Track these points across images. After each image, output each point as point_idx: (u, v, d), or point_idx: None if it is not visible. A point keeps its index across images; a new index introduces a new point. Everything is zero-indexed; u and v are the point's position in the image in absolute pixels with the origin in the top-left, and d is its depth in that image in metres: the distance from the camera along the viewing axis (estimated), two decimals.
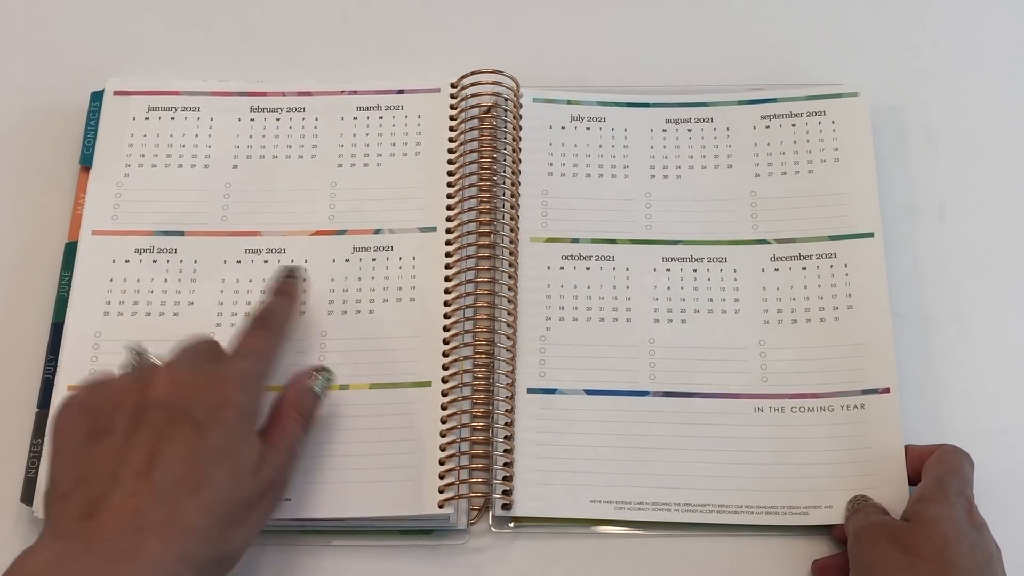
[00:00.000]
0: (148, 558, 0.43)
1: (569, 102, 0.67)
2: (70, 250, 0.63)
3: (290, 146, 0.66)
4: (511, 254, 0.62)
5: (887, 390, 0.59)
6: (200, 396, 0.48)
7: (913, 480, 0.56)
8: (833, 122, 0.66)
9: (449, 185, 0.64)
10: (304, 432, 0.54)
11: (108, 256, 0.62)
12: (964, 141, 0.68)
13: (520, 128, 0.66)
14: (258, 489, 0.49)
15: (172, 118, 0.66)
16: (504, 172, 0.64)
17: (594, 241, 0.64)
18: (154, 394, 0.48)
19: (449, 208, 0.63)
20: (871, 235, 0.63)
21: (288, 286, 0.58)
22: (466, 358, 0.60)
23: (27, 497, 0.57)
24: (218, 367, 0.50)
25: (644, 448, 0.58)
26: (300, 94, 0.67)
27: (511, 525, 0.58)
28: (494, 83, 0.66)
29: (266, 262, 0.62)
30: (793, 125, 0.66)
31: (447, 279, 0.62)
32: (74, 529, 0.44)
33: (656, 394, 0.60)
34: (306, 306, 0.60)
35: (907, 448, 0.57)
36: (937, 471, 0.54)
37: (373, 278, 0.62)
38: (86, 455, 0.47)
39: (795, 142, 0.66)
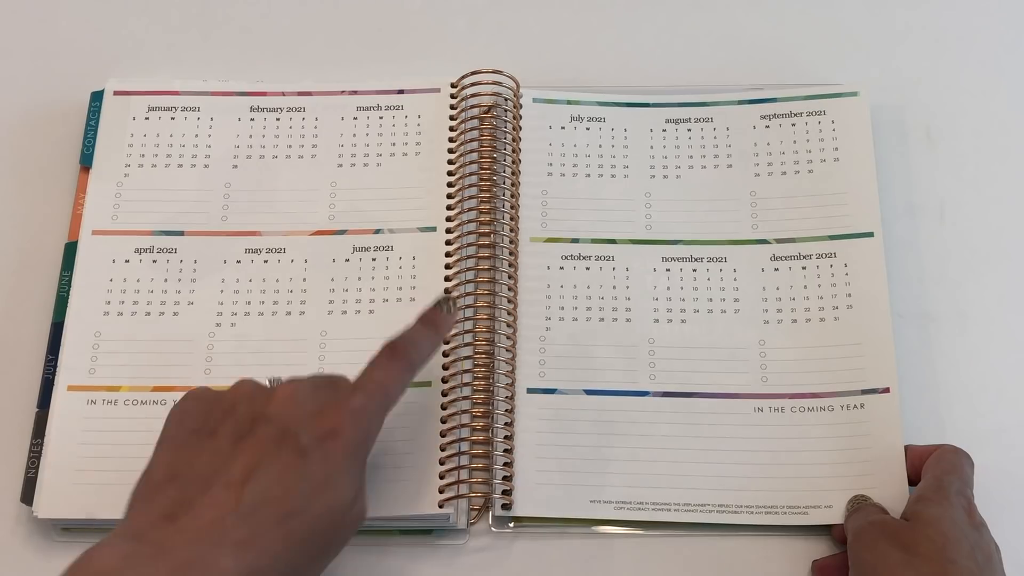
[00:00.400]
0: (217, 575, 0.42)
1: (569, 102, 0.67)
2: (70, 250, 0.63)
3: (290, 146, 0.66)
4: (511, 254, 0.62)
5: (887, 390, 0.59)
6: (311, 422, 0.46)
7: (913, 480, 0.56)
8: (833, 122, 0.66)
9: (449, 185, 0.64)
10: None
11: (108, 256, 0.62)
12: (964, 141, 0.68)
13: (520, 128, 0.66)
14: (342, 528, 0.47)
15: (172, 118, 0.66)
16: (504, 172, 0.64)
17: (594, 241, 0.64)
18: (268, 408, 0.47)
19: (449, 208, 0.63)
20: (871, 235, 0.63)
21: (435, 316, 0.53)
22: (466, 358, 0.60)
23: (27, 497, 0.57)
24: (336, 396, 0.48)
25: (644, 448, 0.58)
26: (300, 94, 0.67)
27: (511, 525, 0.58)
28: (494, 83, 0.66)
29: (266, 262, 0.62)
30: (793, 125, 0.66)
31: (447, 279, 0.62)
32: (151, 529, 0.43)
33: (656, 394, 0.60)
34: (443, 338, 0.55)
35: (907, 448, 0.57)
36: (937, 471, 0.54)
37: (373, 278, 0.62)
38: (187, 450, 0.46)
39: (795, 142, 0.66)
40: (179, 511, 0.44)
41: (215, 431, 0.47)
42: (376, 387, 0.49)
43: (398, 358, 0.51)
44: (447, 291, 0.55)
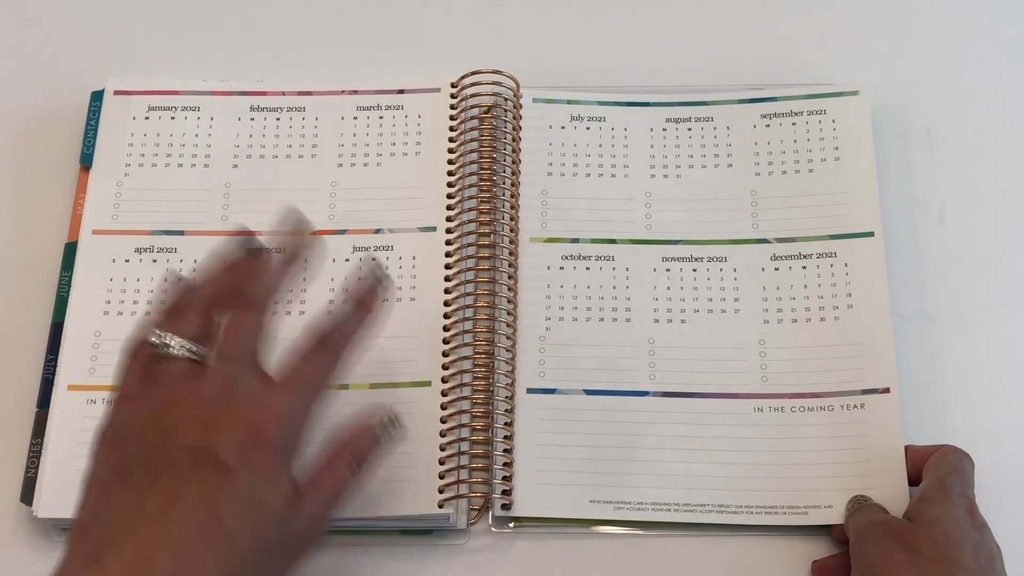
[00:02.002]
0: None
1: (569, 102, 0.67)
2: (70, 250, 0.63)
3: (290, 146, 0.66)
4: (511, 254, 0.62)
5: (887, 390, 0.59)
6: (230, 432, 0.44)
7: (913, 480, 0.56)
8: (833, 121, 0.66)
9: (449, 185, 0.64)
10: (355, 479, 0.48)
11: (108, 256, 0.62)
12: (964, 141, 0.68)
13: (520, 128, 0.66)
14: (283, 540, 0.44)
15: (172, 118, 0.66)
16: (504, 172, 0.64)
17: (594, 241, 0.64)
18: (180, 437, 0.44)
19: (449, 208, 0.63)
20: (871, 234, 0.63)
21: (370, 298, 0.50)
22: (466, 358, 0.60)
23: (27, 497, 0.57)
24: (259, 394, 0.45)
25: (644, 448, 0.58)
26: (300, 94, 0.67)
27: (511, 525, 0.58)
28: (494, 83, 0.66)
29: None
30: (793, 124, 0.66)
31: (447, 279, 0.62)
32: (77, 574, 0.42)
33: (656, 394, 0.60)
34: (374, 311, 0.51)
35: (907, 448, 0.57)
36: (938, 471, 0.54)
37: None
38: (109, 492, 0.44)
39: (795, 141, 0.66)
40: (102, 554, 0.42)
41: (131, 471, 0.44)
42: (307, 383, 0.47)
43: (331, 350, 0.48)
44: (373, 259, 0.52)
